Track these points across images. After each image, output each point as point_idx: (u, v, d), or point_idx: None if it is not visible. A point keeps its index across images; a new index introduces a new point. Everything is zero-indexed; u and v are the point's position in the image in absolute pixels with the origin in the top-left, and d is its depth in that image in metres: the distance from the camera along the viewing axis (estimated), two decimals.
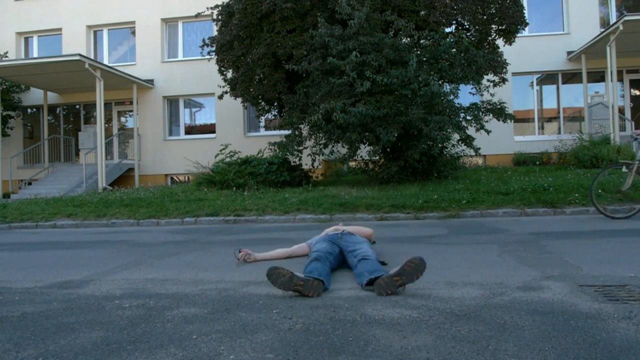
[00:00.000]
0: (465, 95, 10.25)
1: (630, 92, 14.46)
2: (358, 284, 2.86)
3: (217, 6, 11.23)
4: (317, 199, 7.94)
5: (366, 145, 9.60)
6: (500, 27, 10.30)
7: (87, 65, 12.22)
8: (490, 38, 10.52)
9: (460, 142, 9.57)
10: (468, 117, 9.54)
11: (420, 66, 8.96)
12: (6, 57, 15.51)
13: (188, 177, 14.51)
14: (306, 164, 10.80)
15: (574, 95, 14.71)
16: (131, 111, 16.23)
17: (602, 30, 12.41)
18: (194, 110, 16.75)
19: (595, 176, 6.45)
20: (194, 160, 11.95)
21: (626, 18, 10.54)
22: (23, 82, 15.14)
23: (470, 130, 9.60)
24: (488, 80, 10.25)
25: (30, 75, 13.89)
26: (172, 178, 15.73)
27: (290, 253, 4.02)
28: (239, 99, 11.92)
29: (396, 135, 8.56)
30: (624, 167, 6.35)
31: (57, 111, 16.97)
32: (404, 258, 3.40)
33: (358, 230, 3.86)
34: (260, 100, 11.54)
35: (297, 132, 10.13)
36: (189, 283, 3.08)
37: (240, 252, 3.95)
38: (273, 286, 2.63)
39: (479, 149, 9.62)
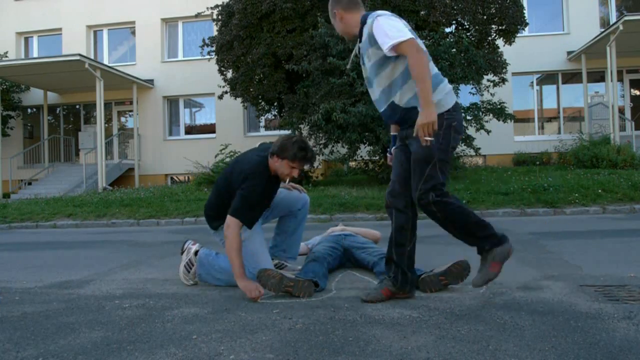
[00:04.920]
0: (465, 95, 10.25)
1: (630, 92, 14.46)
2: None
3: (217, 6, 11.23)
4: (317, 199, 7.93)
5: (366, 145, 9.60)
6: (500, 27, 10.30)
7: (87, 65, 12.22)
8: (490, 38, 10.52)
9: (460, 142, 9.56)
10: (468, 117, 9.54)
11: None
12: (6, 57, 15.50)
13: (188, 177, 14.50)
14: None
15: (574, 95, 14.71)
16: (131, 111, 16.23)
17: (602, 30, 12.41)
18: (194, 110, 16.75)
19: None
20: (194, 160, 11.94)
21: (626, 18, 10.54)
22: (23, 82, 15.13)
23: (470, 130, 9.60)
24: (488, 80, 10.25)
25: (30, 75, 13.89)
26: (172, 178, 15.73)
27: None
28: (239, 99, 11.92)
29: None
30: None
31: (57, 111, 16.97)
32: None
33: (366, 233, 3.85)
34: (260, 100, 11.54)
35: (297, 132, 10.14)
36: (189, 283, 3.08)
37: None
38: (264, 288, 2.62)
39: (479, 149, 9.61)
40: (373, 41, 2.34)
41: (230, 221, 2.72)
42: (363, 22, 2.43)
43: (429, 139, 2.18)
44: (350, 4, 2.49)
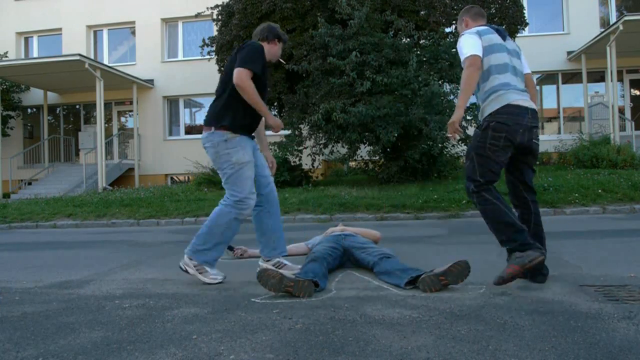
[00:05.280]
0: None
1: (630, 92, 14.46)
2: (388, 283, 2.85)
3: (217, 6, 11.23)
4: (317, 199, 7.94)
5: (366, 145, 9.61)
6: None
7: (87, 65, 12.22)
8: None
9: (460, 142, 9.58)
10: (468, 117, 9.55)
11: (420, 66, 8.95)
12: (6, 57, 15.50)
13: (188, 177, 14.50)
14: (306, 164, 10.81)
15: (574, 95, 14.71)
16: (131, 111, 16.23)
17: (602, 30, 12.41)
18: (194, 110, 16.75)
19: None
20: (194, 160, 11.94)
21: (626, 18, 10.54)
22: (23, 82, 15.14)
23: (470, 130, 9.60)
24: None
25: (30, 75, 13.89)
26: (172, 178, 15.73)
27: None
28: None
29: (396, 135, 8.56)
30: None
31: (57, 111, 16.97)
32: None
33: (366, 233, 3.86)
34: None
35: (297, 132, 10.14)
36: (189, 283, 3.08)
37: (233, 250, 3.99)
38: (264, 288, 2.62)
39: None
40: None
41: (240, 72, 2.86)
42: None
43: (451, 135, 2.79)
44: (477, 15, 3.05)
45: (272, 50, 3.17)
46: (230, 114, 2.96)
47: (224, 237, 3.03)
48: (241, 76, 2.85)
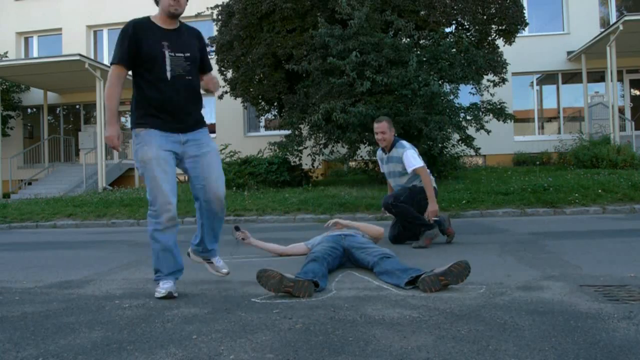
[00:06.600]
0: (465, 95, 10.25)
1: (630, 92, 14.47)
2: (388, 283, 2.85)
3: (217, 6, 11.23)
4: (317, 199, 7.94)
5: (366, 145, 9.60)
6: (500, 27, 10.30)
7: (87, 65, 12.22)
8: (490, 38, 10.52)
9: (460, 142, 9.57)
10: (468, 117, 9.54)
11: (420, 66, 8.95)
12: (6, 57, 15.50)
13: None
14: (306, 164, 10.81)
15: (574, 95, 14.72)
16: None
17: (602, 30, 12.41)
18: None
19: None
20: None
21: (626, 18, 10.54)
22: (23, 82, 15.13)
23: (470, 130, 9.60)
24: (488, 80, 10.25)
25: (30, 75, 13.88)
26: None
27: (284, 251, 4.01)
28: (239, 99, 11.92)
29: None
30: None
31: (57, 111, 16.96)
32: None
33: (368, 228, 3.84)
34: (260, 100, 11.54)
35: (297, 132, 10.13)
36: (189, 283, 3.08)
37: (238, 231, 3.82)
38: (263, 288, 2.62)
39: (479, 149, 9.61)
40: (400, 160, 4.46)
41: (110, 69, 2.67)
42: (394, 144, 4.56)
43: (435, 218, 4.28)
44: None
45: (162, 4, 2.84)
46: (134, 107, 2.71)
47: (160, 256, 2.71)
48: (109, 72, 2.68)
